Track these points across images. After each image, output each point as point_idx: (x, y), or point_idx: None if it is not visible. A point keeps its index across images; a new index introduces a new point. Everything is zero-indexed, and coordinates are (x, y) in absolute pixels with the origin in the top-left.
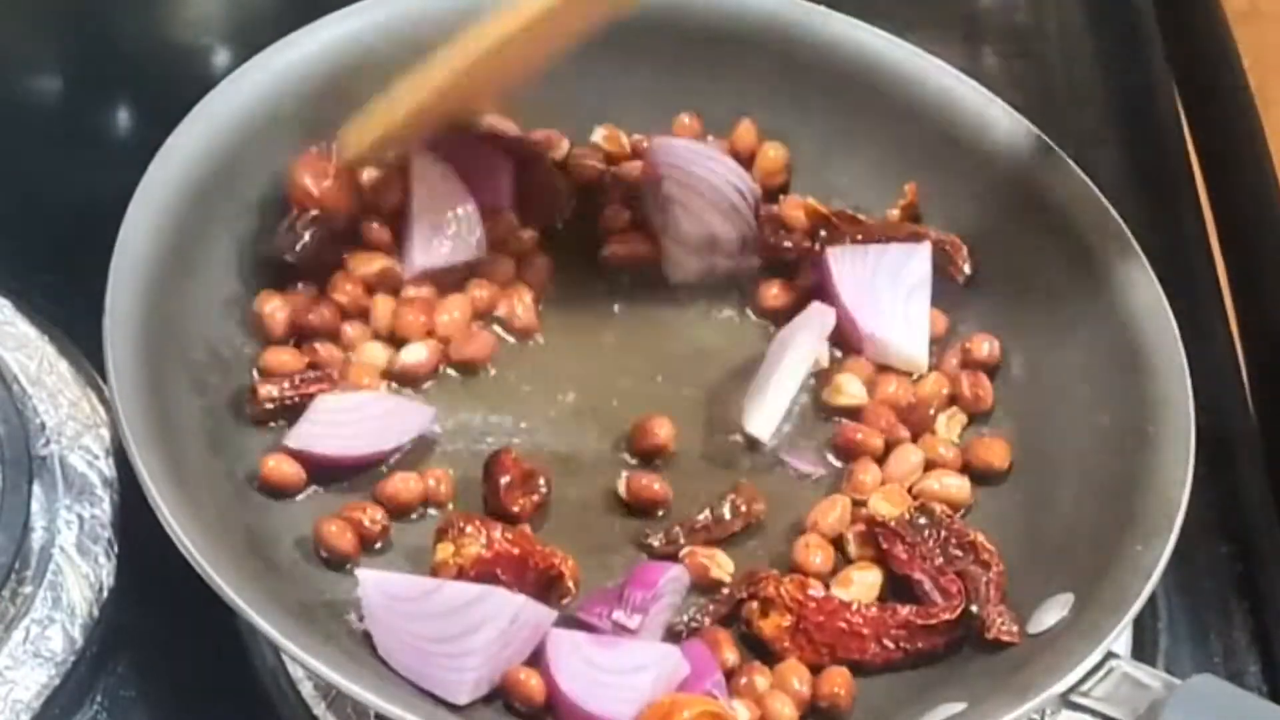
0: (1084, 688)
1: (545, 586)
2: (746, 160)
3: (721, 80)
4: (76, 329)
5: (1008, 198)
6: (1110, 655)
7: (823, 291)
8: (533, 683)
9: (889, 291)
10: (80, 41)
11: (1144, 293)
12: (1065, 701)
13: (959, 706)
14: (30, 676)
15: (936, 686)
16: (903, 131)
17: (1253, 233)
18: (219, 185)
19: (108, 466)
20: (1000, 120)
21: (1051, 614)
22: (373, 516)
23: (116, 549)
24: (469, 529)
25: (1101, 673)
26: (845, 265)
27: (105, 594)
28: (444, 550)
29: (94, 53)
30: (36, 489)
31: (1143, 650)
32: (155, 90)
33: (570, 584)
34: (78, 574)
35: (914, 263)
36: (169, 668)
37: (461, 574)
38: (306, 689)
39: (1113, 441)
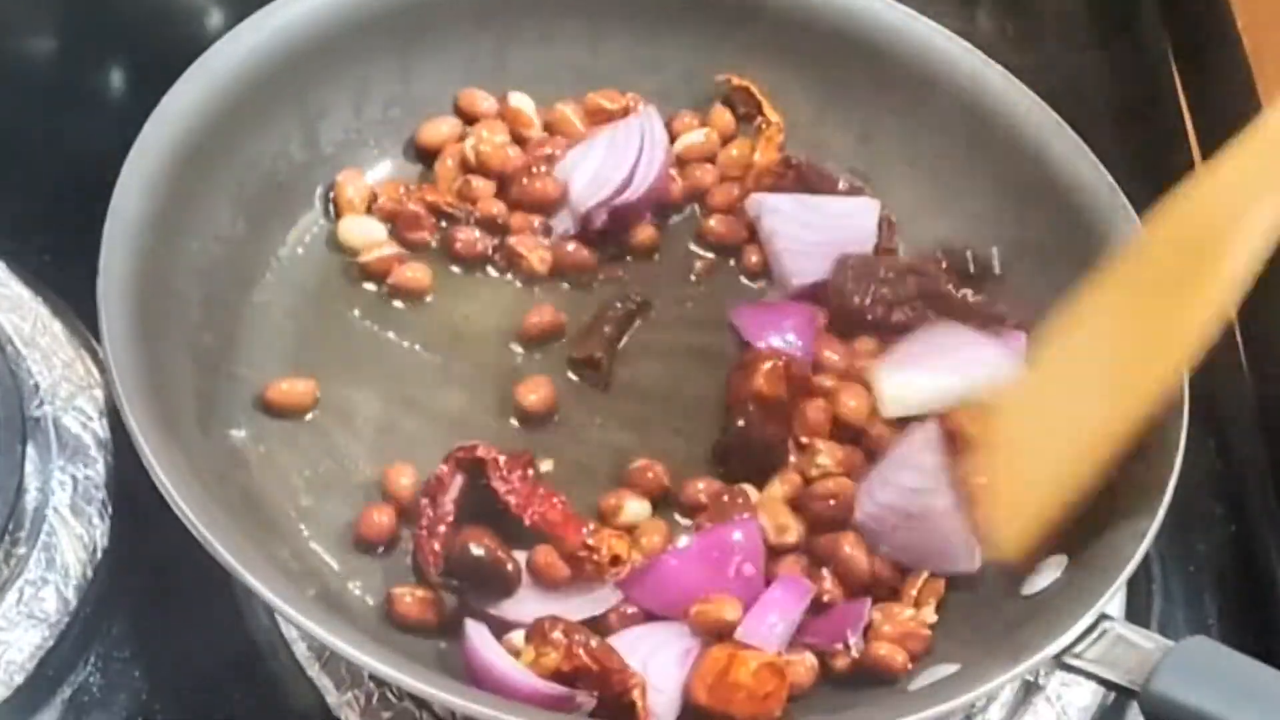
0: (1077, 650)
1: (617, 710)
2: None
3: (715, 41)
4: (70, 290)
5: (1002, 160)
6: (1104, 617)
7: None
8: None
9: (822, 239)
10: (74, 2)
11: None
12: (1059, 663)
13: (952, 668)
14: (24, 638)
15: (930, 649)
16: (897, 94)
17: None
18: (213, 146)
19: (101, 428)
20: (994, 82)
21: (1045, 576)
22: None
23: (110, 510)
24: (554, 635)
25: (1095, 635)
26: (778, 217)
27: (99, 555)
28: (528, 653)
29: (88, 13)
30: (30, 450)
31: (1136, 612)
32: (150, 51)
33: (642, 715)
34: (71, 535)
35: (858, 219)
36: (163, 629)
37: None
38: (300, 650)
39: None
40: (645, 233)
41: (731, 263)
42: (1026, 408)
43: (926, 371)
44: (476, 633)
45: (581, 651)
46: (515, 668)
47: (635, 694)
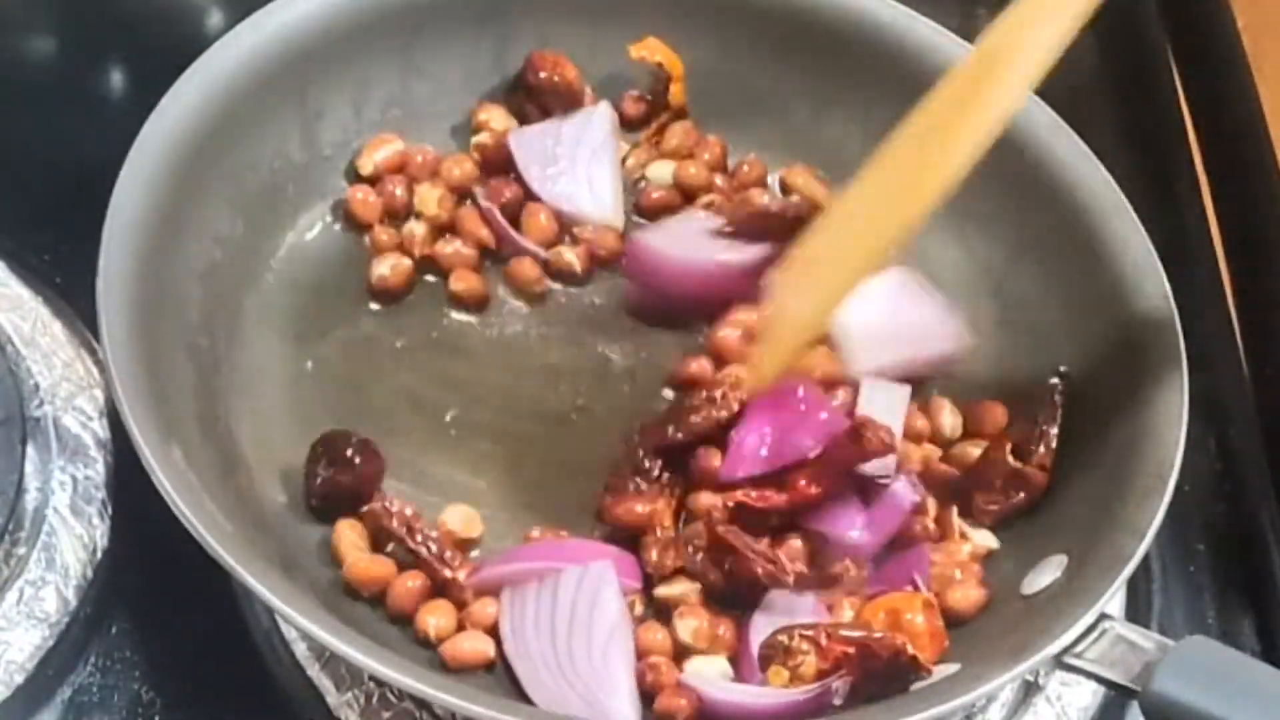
0: (1077, 649)
1: (896, 672)
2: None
3: (715, 41)
4: (70, 290)
5: (999, 159)
6: (1104, 617)
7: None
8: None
9: (569, 159)
10: (74, 2)
11: (1137, 254)
12: (1059, 663)
13: (953, 668)
14: (24, 638)
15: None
16: (894, 93)
17: (1246, 189)
18: (213, 146)
19: (101, 428)
20: None
21: (1045, 575)
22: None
23: (110, 510)
24: (796, 643)
25: (1095, 634)
26: (526, 145)
27: (99, 555)
28: (778, 676)
29: (88, 13)
30: (30, 450)
31: (1136, 612)
32: (149, 51)
33: (925, 661)
34: (71, 535)
35: (593, 125)
36: (162, 629)
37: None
38: (300, 650)
39: (1106, 403)
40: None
41: None
42: (820, 237)
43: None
44: (707, 683)
45: (833, 643)
46: (761, 694)
47: (908, 649)
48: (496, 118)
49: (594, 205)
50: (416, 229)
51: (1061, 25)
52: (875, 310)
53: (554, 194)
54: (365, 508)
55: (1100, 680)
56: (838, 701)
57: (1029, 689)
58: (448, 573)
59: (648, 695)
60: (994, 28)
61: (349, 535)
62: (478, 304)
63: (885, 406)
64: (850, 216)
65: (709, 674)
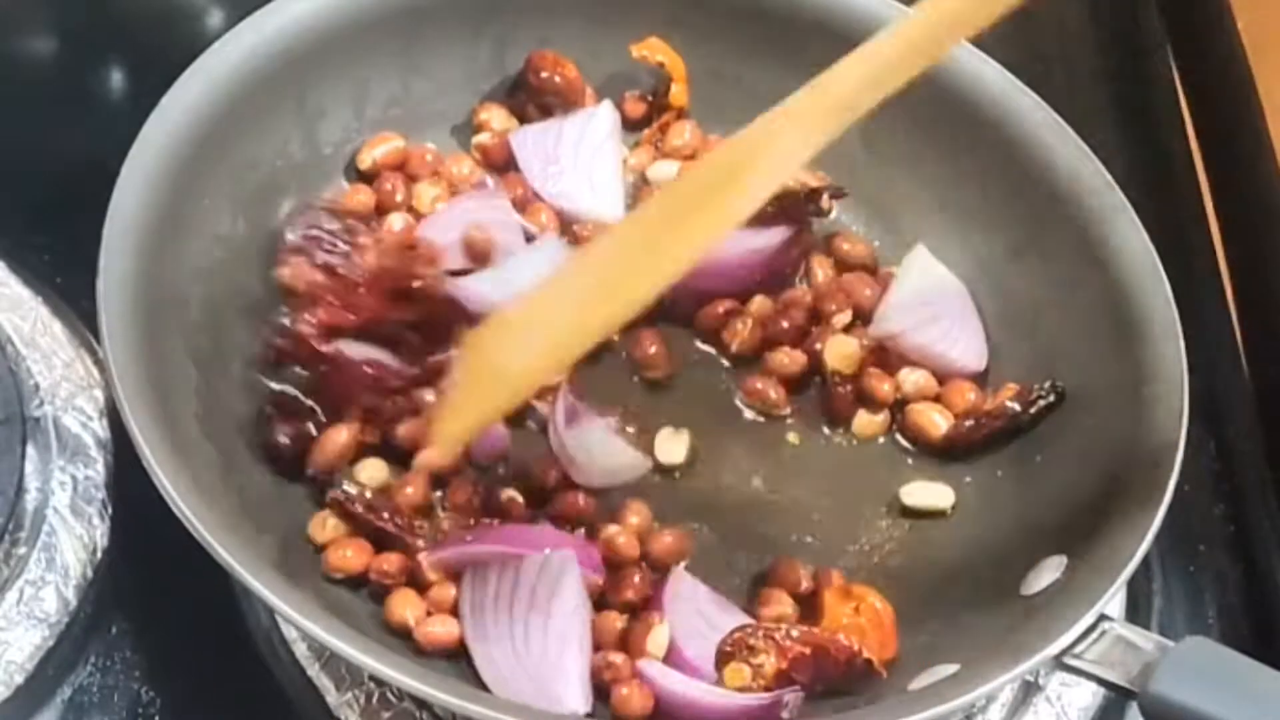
0: (1077, 650)
1: (854, 675)
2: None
3: (715, 43)
4: (70, 290)
5: (1000, 158)
6: (1103, 618)
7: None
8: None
9: (572, 159)
10: (74, 2)
11: (1137, 254)
12: (1058, 664)
13: (952, 669)
14: (24, 638)
15: (929, 649)
16: (896, 95)
17: (1246, 188)
18: (213, 146)
19: (101, 428)
20: (993, 80)
21: (1044, 576)
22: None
23: (110, 510)
24: (756, 641)
25: (1094, 635)
26: (528, 145)
27: (99, 555)
28: (737, 672)
29: (88, 13)
30: (30, 450)
31: (1136, 612)
32: (149, 51)
33: (881, 667)
34: (71, 535)
35: (594, 124)
36: (163, 629)
37: (767, 689)
38: (300, 650)
39: (1106, 403)
40: None
41: None
42: (538, 300)
43: None
44: (655, 669)
45: (791, 642)
46: (712, 693)
47: (864, 652)
48: (497, 118)
49: (595, 203)
50: (395, 221)
51: (812, 140)
52: (924, 296)
53: (555, 192)
54: (328, 497)
55: (1100, 681)
56: (786, 716)
57: (1029, 689)
58: (422, 543)
59: (603, 689)
60: (747, 131)
61: (327, 525)
62: None
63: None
64: (574, 286)
65: (662, 671)
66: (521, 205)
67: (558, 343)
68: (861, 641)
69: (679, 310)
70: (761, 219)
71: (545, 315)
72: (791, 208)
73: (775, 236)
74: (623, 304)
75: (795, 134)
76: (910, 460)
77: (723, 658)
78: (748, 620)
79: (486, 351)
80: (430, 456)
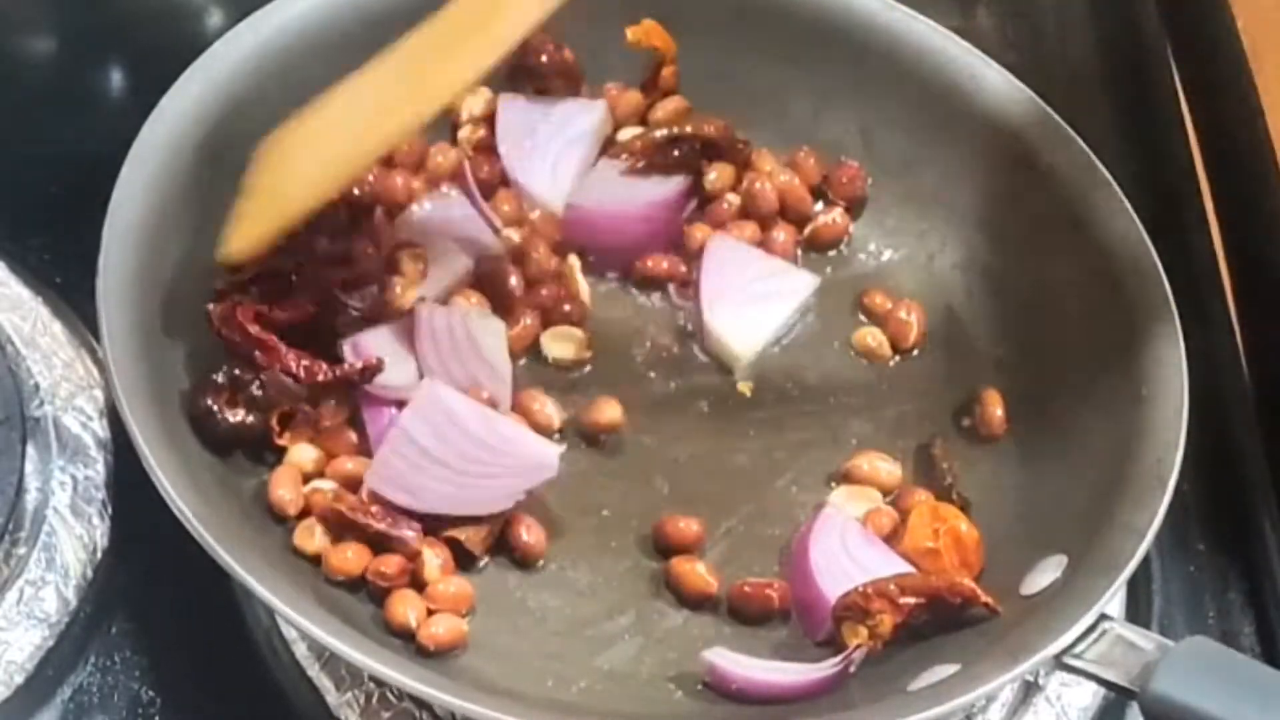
0: (1077, 650)
1: (965, 613)
2: None
3: (714, 41)
4: (70, 290)
5: (1001, 160)
6: (1103, 617)
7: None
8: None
9: (546, 141)
10: (74, 2)
11: (1137, 255)
12: (1058, 663)
13: (952, 668)
14: (24, 638)
15: (930, 649)
16: (894, 92)
17: (1246, 189)
18: (212, 146)
19: (101, 428)
20: (993, 82)
21: (1044, 576)
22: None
23: (110, 510)
24: (872, 605)
25: (1094, 635)
26: (511, 114)
27: (99, 555)
28: (854, 634)
29: (88, 13)
30: (30, 450)
31: (1136, 612)
32: (149, 51)
33: (989, 600)
34: (71, 535)
35: (582, 117)
36: (162, 629)
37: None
38: (300, 650)
39: (1106, 403)
40: None
41: None
42: (301, 131)
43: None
44: (722, 657)
45: (906, 597)
46: (778, 670)
47: (980, 596)
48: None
49: (549, 190)
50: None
51: None
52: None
53: (518, 166)
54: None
55: (1100, 681)
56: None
57: (1029, 689)
58: (409, 532)
59: None
60: None
61: (312, 535)
62: None
63: None
64: (359, 103)
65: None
66: (489, 189)
67: (334, 161)
68: (948, 565)
69: (610, 265)
70: (660, 168)
71: (324, 135)
72: (688, 156)
73: (673, 188)
74: (391, 130)
75: None
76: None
77: (837, 622)
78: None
79: (273, 165)
80: (225, 255)
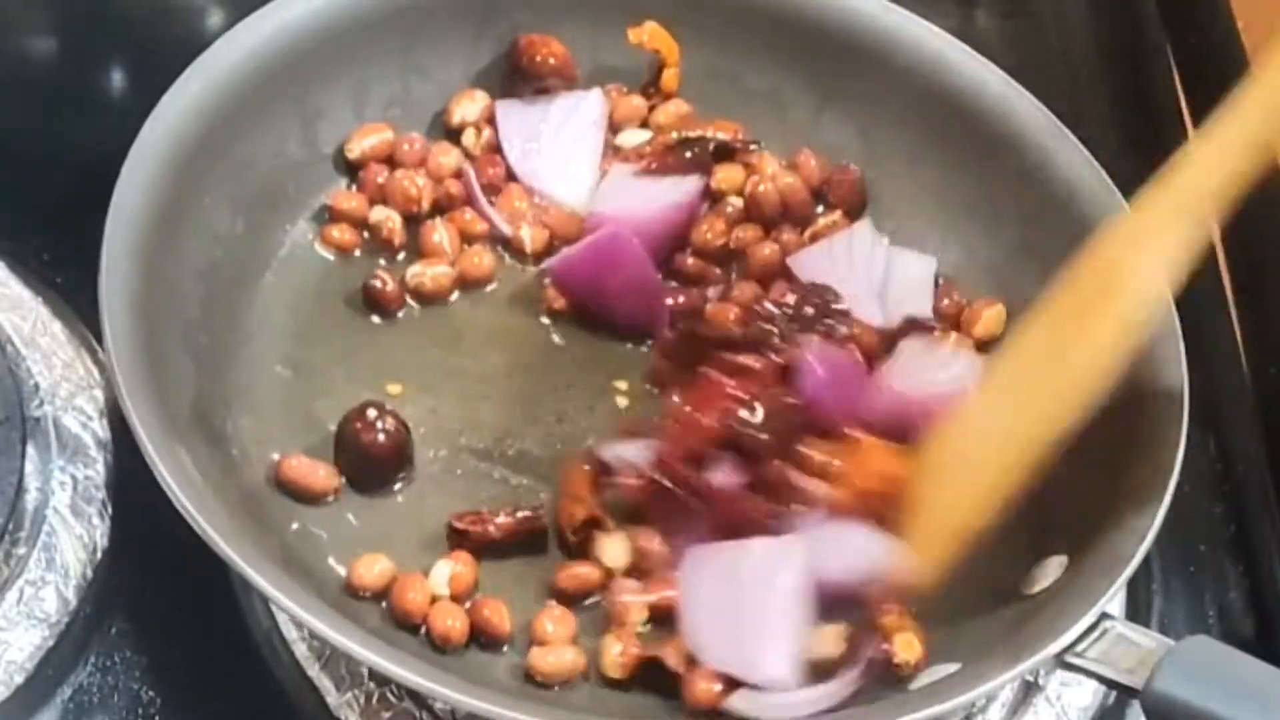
0: (1078, 649)
1: None
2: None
3: (714, 41)
4: (70, 290)
5: (999, 160)
6: (1104, 616)
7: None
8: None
9: (552, 139)
10: (74, 2)
11: None
12: (1059, 662)
13: (953, 667)
14: (24, 638)
15: (930, 648)
16: (892, 94)
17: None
18: (213, 145)
19: (101, 428)
20: (993, 83)
21: (1045, 576)
22: None
23: (110, 510)
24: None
25: (1095, 634)
26: (511, 118)
27: (99, 555)
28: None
29: (88, 13)
30: (30, 450)
31: (1137, 611)
32: (149, 50)
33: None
34: (71, 535)
35: (582, 109)
36: (163, 629)
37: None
38: (300, 650)
39: (1106, 403)
40: None
41: None
42: (962, 431)
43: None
44: (745, 701)
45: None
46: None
47: None
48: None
49: (566, 188)
50: (393, 219)
51: (1186, 233)
52: None
53: (528, 170)
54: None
55: (1101, 679)
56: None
57: (1029, 689)
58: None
59: None
60: (1112, 235)
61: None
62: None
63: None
64: (989, 418)
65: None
66: (494, 188)
67: (991, 475)
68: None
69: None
70: (673, 168)
71: (974, 451)
72: (700, 157)
73: (690, 188)
74: (1041, 430)
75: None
76: None
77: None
78: None
79: (937, 491)
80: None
